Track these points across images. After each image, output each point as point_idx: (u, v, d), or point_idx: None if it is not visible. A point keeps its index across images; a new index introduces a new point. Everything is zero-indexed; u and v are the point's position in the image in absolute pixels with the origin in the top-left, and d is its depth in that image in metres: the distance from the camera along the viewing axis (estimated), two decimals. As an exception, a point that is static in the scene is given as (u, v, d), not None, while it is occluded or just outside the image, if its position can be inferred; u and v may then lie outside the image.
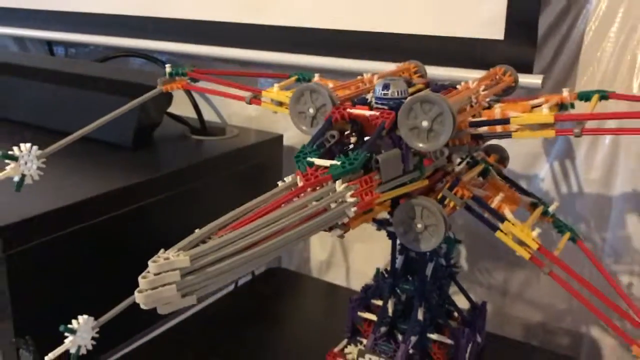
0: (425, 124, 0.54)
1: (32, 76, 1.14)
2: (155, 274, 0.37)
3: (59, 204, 0.75)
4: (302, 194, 0.49)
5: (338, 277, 1.17)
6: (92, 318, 0.47)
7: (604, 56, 0.85)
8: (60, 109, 1.08)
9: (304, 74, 0.78)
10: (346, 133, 0.61)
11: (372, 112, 0.58)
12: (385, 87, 0.60)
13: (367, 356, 0.74)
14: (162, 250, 0.39)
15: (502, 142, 0.76)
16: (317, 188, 0.50)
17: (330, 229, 0.52)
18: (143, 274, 0.37)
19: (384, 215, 0.65)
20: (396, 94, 0.59)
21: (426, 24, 0.85)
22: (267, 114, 0.94)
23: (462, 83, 0.67)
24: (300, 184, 0.51)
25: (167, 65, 0.77)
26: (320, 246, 1.19)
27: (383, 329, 0.77)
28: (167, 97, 1.02)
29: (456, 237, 0.82)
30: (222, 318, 0.96)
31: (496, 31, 0.81)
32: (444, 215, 0.58)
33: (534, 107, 0.62)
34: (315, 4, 0.97)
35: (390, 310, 0.78)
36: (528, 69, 0.79)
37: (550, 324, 0.98)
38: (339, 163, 0.52)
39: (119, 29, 1.25)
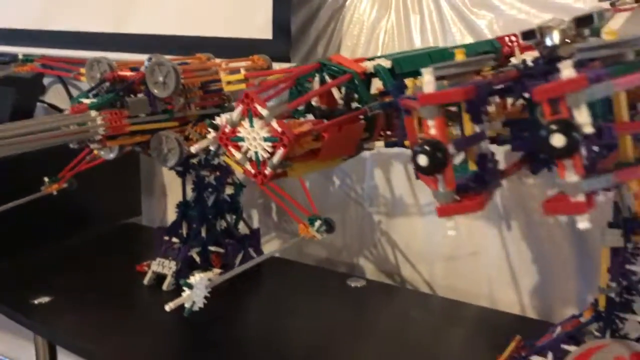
0: (160, 78, 0.85)
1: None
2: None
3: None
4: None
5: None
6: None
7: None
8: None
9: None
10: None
11: (132, 74, 0.89)
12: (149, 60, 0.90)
13: (158, 259, 1.03)
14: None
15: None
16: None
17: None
18: None
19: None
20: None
21: (222, 29, 1.18)
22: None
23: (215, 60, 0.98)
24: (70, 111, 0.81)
25: (20, 54, 1.07)
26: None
27: (175, 241, 1.06)
28: (40, 88, 1.32)
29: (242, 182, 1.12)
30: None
31: (267, 34, 1.13)
32: (180, 141, 0.88)
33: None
34: (162, 18, 1.29)
35: (184, 232, 1.07)
36: (287, 59, 1.11)
37: (332, 258, 1.27)
38: (95, 100, 0.82)
39: (22, 39, 1.54)
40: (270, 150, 0.54)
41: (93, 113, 0.80)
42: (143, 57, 1.10)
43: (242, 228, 1.14)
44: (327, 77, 0.64)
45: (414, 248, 1.18)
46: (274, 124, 0.53)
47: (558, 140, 0.28)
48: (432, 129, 0.33)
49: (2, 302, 0.94)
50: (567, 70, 0.29)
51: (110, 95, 0.83)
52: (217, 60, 0.98)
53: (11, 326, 0.96)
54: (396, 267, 1.20)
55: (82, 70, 0.99)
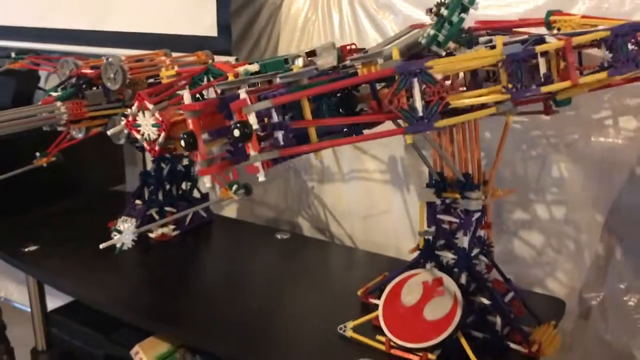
0: (111, 75, 1.10)
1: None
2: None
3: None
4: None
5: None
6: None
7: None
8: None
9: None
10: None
11: (91, 72, 1.13)
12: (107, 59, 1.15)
13: (123, 217, 1.29)
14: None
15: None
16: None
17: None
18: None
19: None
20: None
21: (179, 28, 1.42)
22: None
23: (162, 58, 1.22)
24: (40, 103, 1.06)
25: (13, 52, 1.32)
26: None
27: (138, 202, 1.31)
28: (36, 78, 1.57)
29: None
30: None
31: (213, 32, 1.36)
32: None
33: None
34: (132, 18, 1.52)
35: (146, 196, 1.33)
36: (229, 53, 1.34)
37: (277, 217, 1.51)
38: (60, 93, 1.07)
39: (23, 36, 1.80)
40: (156, 133, 0.79)
41: (58, 103, 1.06)
42: (118, 51, 1.35)
43: (196, 193, 1.39)
44: (211, 78, 0.88)
45: (338, 208, 1.41)
46: (157, 114, 0.77)
47: (236, 132, 0.51)
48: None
49: (0, 249, 1.21)
50: (242, 94, 0.52)
51: (71, 90, 1.08)
52: (163, 58, 1.21)
53: (8, 271, 1.24)
54: (326, 224, 1.44)
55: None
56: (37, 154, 1.31)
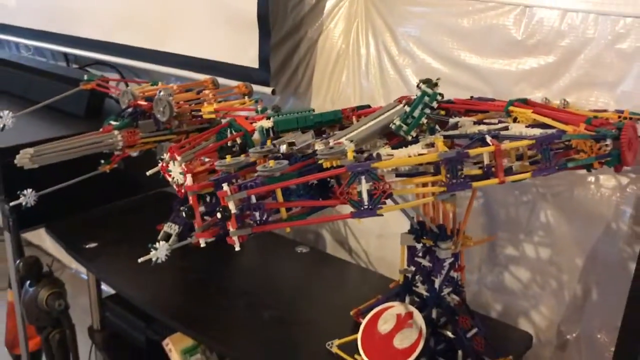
0: (160, 109, 1.30)
1: (26, 69, 1.98)
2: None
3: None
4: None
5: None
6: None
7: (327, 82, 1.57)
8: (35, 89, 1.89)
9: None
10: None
11: (145, 104, 1.34)
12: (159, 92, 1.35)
13: (169, 223, 1.50)
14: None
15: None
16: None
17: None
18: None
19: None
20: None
21: (226, 57, 1.60)
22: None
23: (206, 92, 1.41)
24: (102, 130, 1.28)
25: (85, 75, 1.54)
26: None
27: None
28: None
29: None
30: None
31: (255, 63, 1.54)
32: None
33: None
34: (190, 43, 1.72)
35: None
36: (267, 84, 1.52)
37: (302, 230, 1.69)
38: (118, 123, 1.28)
39: (99, 48, 2.04)
40: (183, 179, 0.98)
41: (116, 132, 1.27)
42: (174, 71, 1.57)
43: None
44: (233, 131, 1.06)
45: (357, 226, 1.58)
46: (183, 165, 0.96)
47: (219, 215, 0.69)
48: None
49: (66, 245, 1.46)
50: (225, 186, 0.69)
51: (127, 120, 1.29)
52: (207, 92, 1.40)
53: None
54: (345, 239, 1.61)
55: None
56: (102, 161, 1.54)
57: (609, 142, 0.78)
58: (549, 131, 0.80)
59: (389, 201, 0.76)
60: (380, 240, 1.53)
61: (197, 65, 1.68)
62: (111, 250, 1.46)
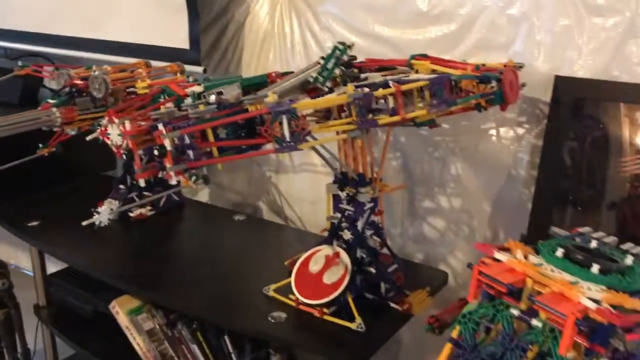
0: (96, 86, 1.36)
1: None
2: None
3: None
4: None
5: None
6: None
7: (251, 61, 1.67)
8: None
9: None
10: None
11: (81, 82, 1.40)
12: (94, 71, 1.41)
13: (109, 199, 1.56)
14: None
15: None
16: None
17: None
18: None
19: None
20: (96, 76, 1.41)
21: (158, 40, 1.68)
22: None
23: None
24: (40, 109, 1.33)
25: (19, 62, 1.59)
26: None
27: (122, 187, 1.59)
28: (40, 78, 1.84)
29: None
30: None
31: (186, 44, 1.62)
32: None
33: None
34: (122, 29, 1.79)
35: (128, 181, 1.60)
36: (198, 63, 1.61)
37: (241, 202, 1.79)
38: (56, 101, 1.34)
39: (31, 40, 2.06)
40: (121, 140, 1.05)
41: (54, 109, 1.33)
42: (108, 57, 1.63)
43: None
44: (167, 96, 1.14)
45: (292, 194, 1.68)
46: (121, 127, 1.04)
47: (155, 152, 0.78)
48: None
49: (9, 224, 1.49)
50: (160, 126, 0.78)
51: (64, 98, 1.35)
52: (140, 70, 1.48)
53: (18, 243, 1.52)
54: (281, 208, 1.71)
55: (56, 75, 1.51)
56: (40, 145, 1.59)
57: (494, 83, 0.92)
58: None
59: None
60: (313, 206, 1.64)
61: (130, 50, 1.74)
62: (54, 227, 1.51)
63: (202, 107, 0.81)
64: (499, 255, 0.63)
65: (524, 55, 1.21)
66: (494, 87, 0.92)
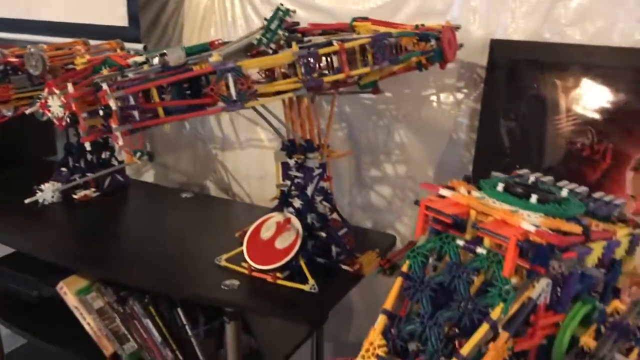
0: (33, 63, 1.32)
1: None
2: None
3: None
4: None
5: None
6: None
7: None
8: None
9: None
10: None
11: (16, 60, 1.35)
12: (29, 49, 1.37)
13: (51, 182, 1.52)
14: None
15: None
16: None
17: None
18: None
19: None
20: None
21: (95, 18, 1.64)
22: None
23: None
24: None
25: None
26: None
27: (64, 169, 1.55)
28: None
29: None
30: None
31: (125, 22, 1.60)
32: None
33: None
34: (58, 9, 1.74)
35: (70, 163, 1.56)
36: (138, 40, 1.58)
37: (187, 182, 1.78)
38: (-11, 79, 1.30)
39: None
40: (62, 112, 1.03)
41: (-13, 87, 1.28)
42: (46, 39, 1.58)
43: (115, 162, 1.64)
44: (108, 67, 1.12)
45: (239, 171, 1.68)
46: (62, 98, 1.02)
47: (100, 112, 0.78)
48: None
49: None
50: (104, 86, 0.78)
51: (-1, 76, 1.31)
52: (79, 47, 1.44)
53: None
54: (229, 185, 1.71)
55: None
56: (-26, 130, 1.53)
57: (433, 42, 0.95)
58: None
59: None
60: (261, 181, 1.64)
61: (67, 30, 1.70)
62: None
63: (146, 68, 0.81)
64: (443, 191, 0.66)
65: (460, 21, 1.25)
66: (433, 45, 0.95)
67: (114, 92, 0.77)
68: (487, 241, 0.60)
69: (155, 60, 0.89)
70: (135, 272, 1.18)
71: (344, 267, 1.16)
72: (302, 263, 1.11)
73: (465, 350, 0.55)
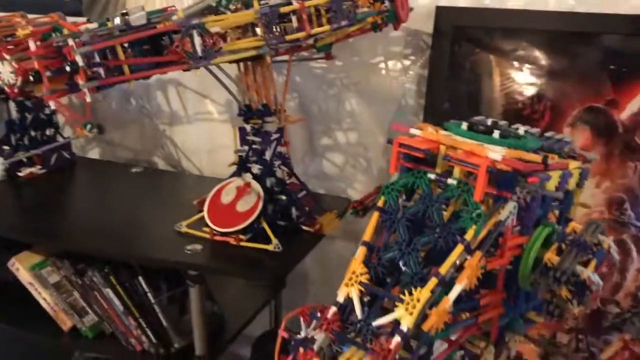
0: (-28, 34, 1.27)
1: None
2: None
3: None
4: None
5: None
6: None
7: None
8: None
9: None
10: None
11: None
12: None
13: (-7, 159, 1.47)
14: None
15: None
16: None
17: None
18: None
19: None
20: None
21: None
22: None
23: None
24: None
25: None
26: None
27: (6, 148, 1.50)
28: None
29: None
30: None
31: (66, -5, 1.56)
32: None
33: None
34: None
35: (13, 141, 1.52)
36: (80, 14, 1.55)
37: (136, 158, 1.76)
38: None
39: None
40: (14, 78, 1.01)
41: None
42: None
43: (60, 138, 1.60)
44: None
45: (188, 146, 1.68)
46: (14, 63, 0.99)
47: (67, 68, 0.77)
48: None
49: None
50: (70, 41, 0.77)
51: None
52: (19, 20, 1.40)
53: None
54: (178, 161, 1.70)
55: None
56: None
57: (387, 2, 0.99)
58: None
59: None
60: (211, 154, 1.65)
61: (2, 4, 1.63)
62: None
63: (110, 25, 0.80)
64: (414, 130, 0.70)
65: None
66: (387, 6, 0.99)
67: (80, 48, 0.77)
68: (456, 172, 0.64)
69: (117, 20, 0.88)
70: (93, 243, 1.17)
71: (305, 227, 1.19)
72: (264, 224, 1.14)
73: (443, 269, 0.59)
